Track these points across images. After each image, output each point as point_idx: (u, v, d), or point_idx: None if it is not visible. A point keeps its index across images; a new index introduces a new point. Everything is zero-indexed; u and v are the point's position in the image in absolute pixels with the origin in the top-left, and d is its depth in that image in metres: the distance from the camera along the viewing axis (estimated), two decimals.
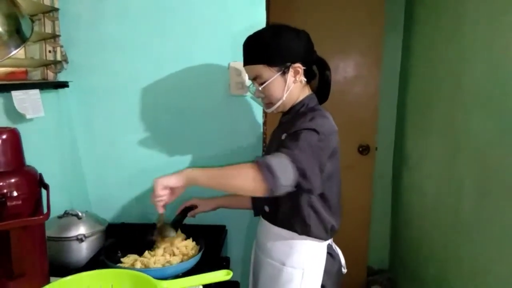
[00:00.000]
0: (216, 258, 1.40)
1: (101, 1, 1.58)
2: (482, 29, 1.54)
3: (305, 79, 1.23)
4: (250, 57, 1.21)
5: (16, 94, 1.26)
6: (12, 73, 1.44)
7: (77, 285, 0.95)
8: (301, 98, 1.25)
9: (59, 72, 1.60)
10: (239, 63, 1.51)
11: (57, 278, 0.97)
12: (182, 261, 1.22)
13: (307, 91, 1.27)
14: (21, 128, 1.04)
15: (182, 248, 1.29)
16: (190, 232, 1.36)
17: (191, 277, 1.02)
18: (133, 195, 1.73)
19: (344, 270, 1.35)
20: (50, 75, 1.56)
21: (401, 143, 2.62)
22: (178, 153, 1.70)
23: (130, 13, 1.59)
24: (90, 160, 1.70)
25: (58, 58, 1.58)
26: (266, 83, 1.19)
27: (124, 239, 1.36)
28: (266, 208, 1.28)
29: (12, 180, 0.92)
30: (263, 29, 1.23)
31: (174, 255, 1.24)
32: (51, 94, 1.52)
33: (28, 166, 1.01)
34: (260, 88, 1.21)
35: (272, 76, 1.18)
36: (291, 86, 1.20)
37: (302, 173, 1.03)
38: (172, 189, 1.08)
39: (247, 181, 1.02)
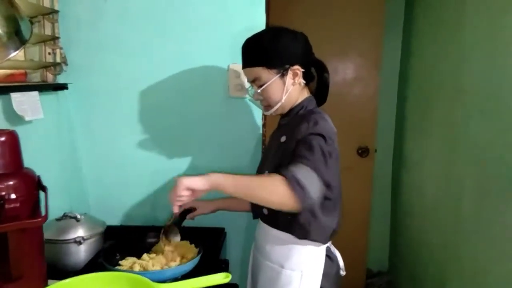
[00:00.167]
0: (215, 260, 1.40)
1: (100, 3, 1.58)
2: (482, 30, 1.54)
3: (304, 81, 1.23)
4: (249, 59, 1.21)
5: (15, 96, 1.25)
6: (12, 75, 1.44)
7: None
8: (300, 100, 1.25)
9: (59, 74, 1.60)
10: (238, 65, 1.51)
11: (55, 281, 0.97)
12: (181, 263, 1.22)
13: (305, 93, 1.27)
14: (20, 130, 1.04)
15: (181, 250, 1.29)
16: (189, 234, 1.36)
17: (189, 280, 1.02)
18: (133, 197, 1.73)
19: (343, 273, 1.35)
20: (50, 77, 1.56)
21: (400, 145, 2.62)
22: (177, 155, 1.69)
23: (129, 15, 1.59)
24: (90, 162, 1.70)
25: (58, 60, 1.58)
26: (265, 85, 1.19)
27: (122, 241, 1.36)
28: (265, 211, 1.28)
29: (10, 183, 0.92)
30: (262, 31, 1.23)
31: (173, 260, 1.24)
32: (51, 96, 1.52)
33: (27, 168, 1.01)
34: (259, 91, 1.21)
35: (271, 78, 1.18)
36: (290, 88, 1.20)
37: (326, 183, 1.03)
38: (193, 191, 1.06)
39: (277, 196, 1.00)
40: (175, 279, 1.16)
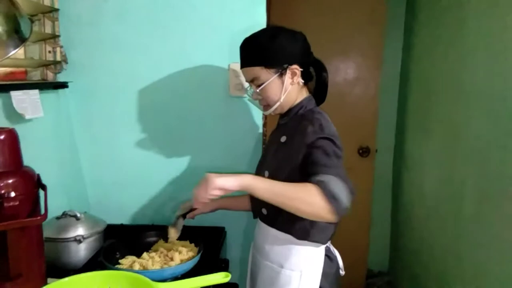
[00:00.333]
0: (215, 259, 1.40)
1: (100, 2, 1.58)
2: (484, 30, 1.54)
3: (303, 81, 1.23)
4: (247, 59, 1.21)
5: (15, 94, 1.25)
6: (12, 73, 1.44)
7: (74, 287, 0.94)
8: (299, 100, 1.25)
9: (59, 72, 1.60)
10: (239, 64, 1.51)
11: (55, 279, 0.97)
12: (180, 263, 1.22)
13: (304, 93, 1.26)
14: (20, 129, 1.04)
15: (182, 249, 1.29)
16: (189, 233, 1.36)
17: (189, 279, 1.01)
18: (133, 196, 1.72)
19: (342, 272, 1.34)
20: (50, 76, 1.56)
21: (401, 145, 2.62)
22: (177, 154, 1.69)
23: (130, 14, 1.59)
24: (90, 161, 1.70)
25: (58, 58, 1.58)
26: (264, 85, 1.19)
27: (122, 240, 1.36)
28: (264, 211, 1.28)
29: (10, 181, 0.92)
30: (260, 31, 1.23)
31: (171, 259, 1.24)
32: (51, 95, 1.52)
33: (26, 166, 1.01)
34: (257, 90, 1.21)
35: (269, 78, 1.18)
36: (289, 88, 1.20)
37: (351, 190, 1.02)
38: (223, 190, 1.04)
39: (312, 208, 0.99)
40: (175, 278, 1.16)
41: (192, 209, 1.43)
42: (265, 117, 1.77)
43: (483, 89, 1.52)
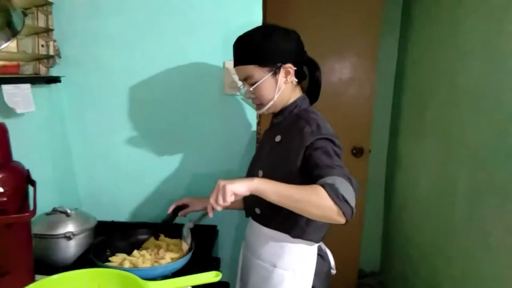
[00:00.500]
0: (207, 258, 1.39)
1: None
2: (478, 32, 1.54)
3: (296, 80, 1.22)
4: (241, 57, 1.20)
5: (6, 88, 1.23)
6: (4, 66, 1.42)
7: (63, 284, 0.93)
8: (292, 99, 1.24)
9: (52, 66, 1.58)
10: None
11: (44, 276, 0.96)
12: (171, 261, 1.21)
13: (298, 92, 1.26)
14: (11, 123, 1.02)
15: (172, 248, 1.28)
16: (181, 231, 1.35)
17: (179, 278, 1.01)
18: (125, 193, 1.71)
19: (334, 271, 1.35)
20: (43, 70, 1.54)
21: (395, 146, 2.62)
22: (170, 151, 1.68)
23: (125, 9, 1.57)
24: (82, 157, 1.68)
25: (51, 52, 1.56)
26: (257, 83, 1.18)
27: (113, 237, 1.35)
28: (257, 211, 1.27)
29: None
30: (254, 29, 1.22)
31: (162, 258, 1.23)
32: (43, 89, 1.50)
33: (15, 162, 0.99)
34: (251, 89, 1.20)
35: (263, 76, 1.17)
36: (282, 87, 1.19)
37: (356, 188, 1.03)
38: (236, 195, 1.05)
39: (323, 211, 0.99)
40: (166, 276, 1.15)
41: (183, 207, 1.42)
42: (259, 116, 1.76)
43: (477, 91, 1.53)
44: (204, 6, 1.56)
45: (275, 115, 1.29)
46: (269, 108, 1.23)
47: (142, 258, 1.22)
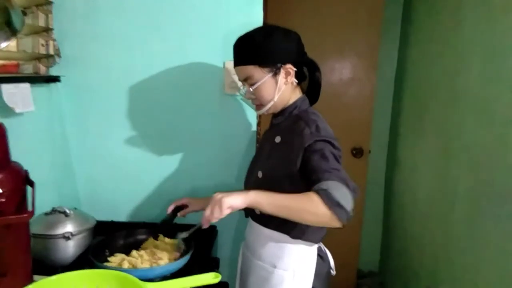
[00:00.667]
0: (206, 258, 1.39)
1: None
2: (479, 34, 1.54)
3: (296, 81, 1.22)
4: (241, 57, 1.20)
5: (6, 88, 1.23)
6: (3, 66, 1.41)
7: (61, 285, 0.93)
8: (292, 100, 1.24)
9: (52, 66, 1.57)
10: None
11: (42, 277, 0.96)
12: (170, 261, 1.21)
13: (298, 93, 1.26)
14: (10, 123, 1.02)
15: (170, 249, 1.28)
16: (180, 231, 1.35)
17: (178, 280, 1.01)
18: (124, 193, 1.71)
19: (333, 272, 1.35)
20: (42, 69, 1.54)
21: (394, 147, 2.62)
22: (170, 152, 1.68)
23: (125, 8, 1.57)
24: (81, 157, 1.68)
25: (51, 52, 1.55)
26: (257, 84, 1.18)
27: (112, 237, 1.35)
28: (257, 211, 1.27)
29: None
30: (254, 29, 1.21)
31: (160, 258, 1.23)
32: (42, 89, 1.50)
33: (14, 162, 0.99)
34: (251, 90, 1.20)
35: (263, 77, 1.17)
36: (282, 88, 1.19)
37: (354, 189, 1.04)
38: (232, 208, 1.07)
39: (317, 217, 1.01)
40: (165, 277, 1.15)
41: (183, 207, 1.42)
42: (259, 116, 1.76)
43: (477, 92, 1.52)
44: (205, 5, 1.55)
45: (275, 115, 1.29)
46: (269, 108, 1.23)
47: (141, 258, 1.22)
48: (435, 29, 2.02)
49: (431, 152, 1.97)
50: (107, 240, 1.33)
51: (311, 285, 1.24)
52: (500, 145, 1.33)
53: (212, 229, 1.63)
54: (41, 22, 1.52)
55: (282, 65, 1.17)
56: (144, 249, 1.31)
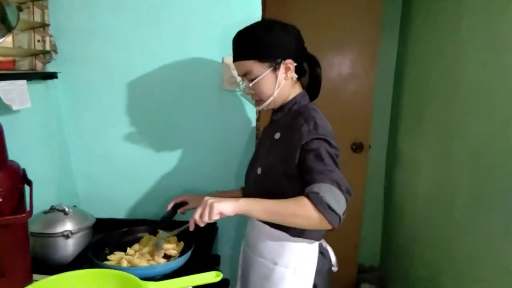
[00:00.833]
0: (207, 256, 1.38)
1: None
2: (478, 29, 1.53)
3: (296, 76, 1.21)
4: (241, 52, 1.18)
5: (2, 85, 1.21)
6: None
7: (61, 285, 0.92)
8: (292, 95, 1.23)
9: (48, 62, 1.55)
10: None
11: (42, 276, 0.95)
12: (170, 259, 1.21)
13: (298, 88, 1.24)
14: (7, 120, 1.01)
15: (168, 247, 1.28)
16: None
17: (179, 279, 1.00)
18: (123, 190, 1.70)
19: (335, 269, 1.34)
20: (39, 66, 1.52)
21: (394, 142, 2.61)
22: (169, 148, 1.67)
23: (122, 3, 1.55)
24: (79, 154, 1.67)
25: (47, 48, 1.53)
26: (257, 79, 1.16)
27: (112, 235, 1.34)
28: None
29: None
30: (254, 24, 1.20)
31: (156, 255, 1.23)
32: (39, 85, 1.48)
33: (11, 161, 0.98)
34: (250, 85, 1.18)
35: (263, 72, 1.15)
36: (282, 83, 1.18)
37: (348, 192, 1.04)
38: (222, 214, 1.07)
39: (309, 221, 1.02)
40: (165, 275, 1.14)
41: (182, 204, 1.41)
42: (259, 112, 1.75)
43: (478, 88, 1.51)
44: (203, 0, 1.53)
45: (275, 111, 1.27)
46: (268, 104, 1.21)
47: (138, 253, 1.22)
48: (435, 24, 2.00)
49: (431, 148, 1.96)
50: (106, 238, 1.32)
51: (312, 282, 1.23)
52: (501, 140, 1.33)
53: (213, 227, 1.62)
54: (37, 18, 1.50)
55: (282, 60, 1.15)
56: (141, 245, 1.31)
